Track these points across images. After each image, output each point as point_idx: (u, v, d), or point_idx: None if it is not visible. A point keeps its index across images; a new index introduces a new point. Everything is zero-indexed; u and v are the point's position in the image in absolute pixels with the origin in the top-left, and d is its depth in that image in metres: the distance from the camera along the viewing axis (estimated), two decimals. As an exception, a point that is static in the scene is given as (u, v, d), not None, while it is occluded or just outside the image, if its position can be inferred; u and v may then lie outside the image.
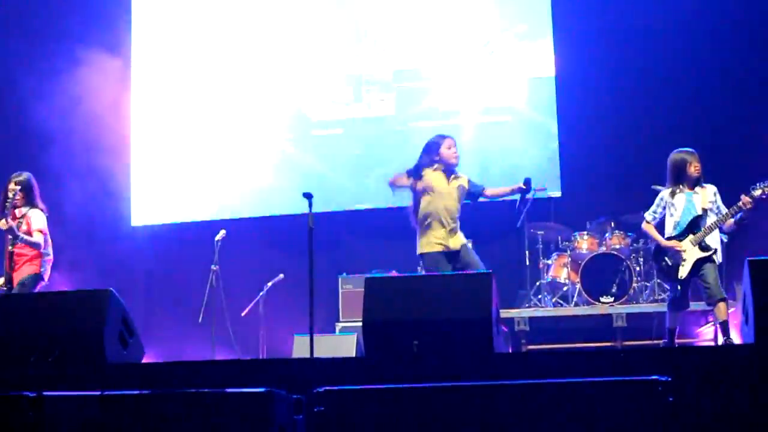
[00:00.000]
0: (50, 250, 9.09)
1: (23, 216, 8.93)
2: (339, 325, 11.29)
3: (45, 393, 4.95)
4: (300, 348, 10.10)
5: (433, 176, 8.69)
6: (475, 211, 11.71)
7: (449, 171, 8.78)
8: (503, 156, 12.09)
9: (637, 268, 10.77)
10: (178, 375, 6.29)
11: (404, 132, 12.46)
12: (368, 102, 12.71)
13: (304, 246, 8.06)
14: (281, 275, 11.20)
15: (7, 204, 8.79)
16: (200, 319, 10.52)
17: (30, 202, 9.00)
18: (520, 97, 12.26)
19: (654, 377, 4.15)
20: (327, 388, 4.52)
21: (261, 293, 11.14)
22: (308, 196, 8.26)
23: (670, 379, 4.15)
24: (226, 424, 4.59)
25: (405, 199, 12.10)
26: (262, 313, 11.12)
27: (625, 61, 11.94)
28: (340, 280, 11.57)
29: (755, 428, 5.01)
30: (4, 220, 8.69)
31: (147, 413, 4.74)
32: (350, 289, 11.37)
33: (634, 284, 10.63)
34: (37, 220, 8.99)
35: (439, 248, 8.58)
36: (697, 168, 8.31)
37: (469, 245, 8.92)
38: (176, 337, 11.73)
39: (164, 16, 13.54)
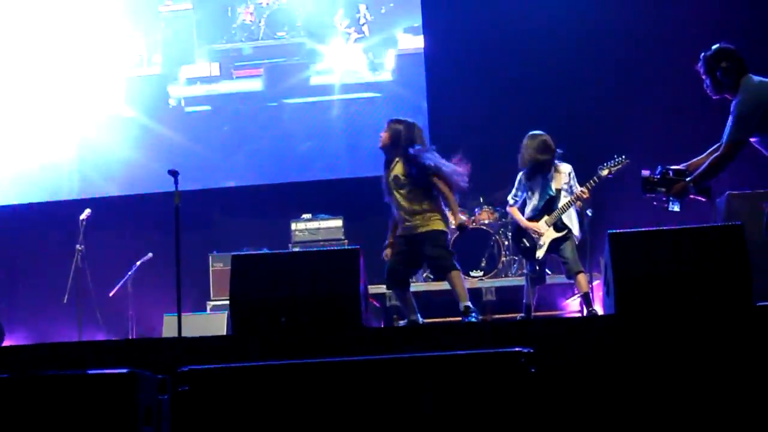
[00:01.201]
0: None
1: None
2: (210, 304, 11.19)
3: None
4: (170, 328, 10.00)
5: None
6: (348, 184, 11.77)
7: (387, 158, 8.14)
8: (373, 132, 12.06)
9: (506, 243, 10.91)
10: (40, 358, 6.14)
11: (274, 108, 12.42)
12: (236, 78, 12.58)
13: (173, 224, 7.96)
14: (149, 254, 11.03)
15: None
16: (65, 300, 10.28)
17: None
18: (389, 73, 12.28)
19: (517, 349, 4.20)
20: (191, 367, 4.46)
21: (129, 273, 10.95)
22: (174, 173, 8.14)
23: (532, 350, 4.20)
24: (89, 407, 4.50)
25: (275, 177, 12.11)
26: (131, 294, 10.94)
27: (495, 38, 12.04)
28: (210, 258, 11.46)
29: (616, 396, 5.14)
30: None
31: (5, 398, 4.61)
32: (221, 267, 11.25)
33: (503, 258, 10.80)
34: None
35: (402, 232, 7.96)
36: (549, 150, 8.45)
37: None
38: (42, 320, 11.49)
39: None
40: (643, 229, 6.20)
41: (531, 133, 8.57)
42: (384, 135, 8.11)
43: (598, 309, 8.21)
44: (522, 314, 8.69)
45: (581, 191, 8.41)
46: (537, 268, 8.55)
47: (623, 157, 8.48)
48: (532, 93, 11.79)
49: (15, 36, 12.86)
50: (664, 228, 6.13)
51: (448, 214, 7.92)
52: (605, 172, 8.43)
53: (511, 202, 8.78)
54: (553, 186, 8.50)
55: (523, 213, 8.69)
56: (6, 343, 7.11)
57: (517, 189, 8.70)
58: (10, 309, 11.22)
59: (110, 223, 11.55)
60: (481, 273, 10.72)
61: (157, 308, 10.76)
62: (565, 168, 8.57)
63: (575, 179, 8.58)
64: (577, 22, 11.90)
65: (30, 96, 12.80)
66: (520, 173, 8.67)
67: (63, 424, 4.50)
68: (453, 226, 7.89)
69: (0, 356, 6.31)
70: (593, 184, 8.43)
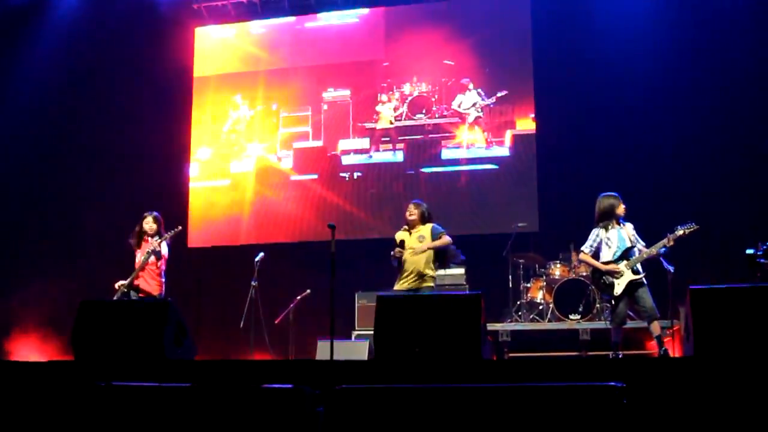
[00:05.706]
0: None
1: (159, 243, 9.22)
2: (354, 333, 11.29)
3: (113, 382, 4.96)
4: (322, 350, 10.13)
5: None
6: (470, 239, 11.78)
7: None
8: (493, 198, 12.16)
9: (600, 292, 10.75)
10: (222, 371, 6.30)
11: (412, 175, 12.58)
12: (382, 151, 12.80)
13: (328, 267, 8.10)
14: (308, 291, 11.19)
15: (143, 234, 9.29)
16: (241, 325, 10.49)
17: (159, 233, 9.30)
18: (506, 149, 12.31)
19: (612, 383, 4.14)
20: (344, 386, 4.52)
21: (291, 305, 11.14)
22: (332, 226, 8.29)
23: (624, 384, 4.14)
24: (261, 415, 4.60)
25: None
26: (292, 321, 11.11)
27: (595, 122, 11.98)
28: (356, 295, 11.58)
29: (694, 426, 5.01)
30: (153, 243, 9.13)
31: (195, 403, 4.75)
32: (364, 303, 11.40)
33: (597, 305, 10.63)
34: (165, 248, 9.28)
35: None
36: (623, 209, 8.37)
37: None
38: (222, 340, 11.80)
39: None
40: (719, 286, 6.06)
41: (604, 194, 8.51)
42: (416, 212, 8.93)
43: (676, 351, 8.01)
44: (612, 352, 8.50)
45: (669, 239, 8.19)
46: (617, 303, 8.33)
47: (693, 223, 8.28)
48: (622, 170, 11.59)
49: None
50: (736, 285, 5.99)
51: None
52: (680, 233, 8.21)
53: (585, 250, 8.57)
54: (626, 238, 8.36)
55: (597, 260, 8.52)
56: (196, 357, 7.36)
57: (593, 241, 8.52)
58: (200, 329, 11.56)
59: (278, 264, 11.77)
60: (579, 316, 10.58)
61: (312, 334, 10.90)
62: (629, 224, 8.44)
63: (637, 234, 8.43)
64: (667, 98, 11.70)
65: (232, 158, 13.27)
66: (597, 228, 8.53)
67: (240, 428, 4.61)
68: None
69: (191, 368, 6.48)
70: (674, 237, 8.22)
